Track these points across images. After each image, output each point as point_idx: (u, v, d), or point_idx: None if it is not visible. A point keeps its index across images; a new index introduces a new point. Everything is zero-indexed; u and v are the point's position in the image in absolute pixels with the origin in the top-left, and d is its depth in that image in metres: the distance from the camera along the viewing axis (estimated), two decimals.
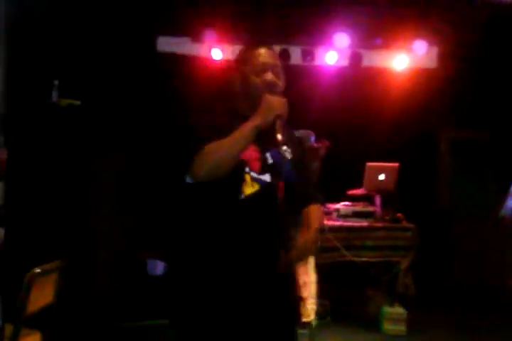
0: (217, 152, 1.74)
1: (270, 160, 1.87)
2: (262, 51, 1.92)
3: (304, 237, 1.83)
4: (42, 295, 2.70)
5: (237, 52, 2.00)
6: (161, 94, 5.22)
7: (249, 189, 1.80)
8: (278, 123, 1.78)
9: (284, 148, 1.81)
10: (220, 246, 1.79)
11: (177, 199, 1.94)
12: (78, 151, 4.32)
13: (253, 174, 1.82)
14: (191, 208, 1.85)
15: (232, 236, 1.78)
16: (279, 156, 1.82)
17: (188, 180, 1.81)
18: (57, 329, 3.05)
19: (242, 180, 1.80)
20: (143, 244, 4.97)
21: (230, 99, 1.97)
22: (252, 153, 1.83)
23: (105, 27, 4.87)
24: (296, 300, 2.02)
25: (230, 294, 1.77)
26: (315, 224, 1.91)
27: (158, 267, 4.91)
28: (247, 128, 1.77)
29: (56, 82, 3.99)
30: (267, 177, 1.84)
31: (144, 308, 4.31)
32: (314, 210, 1.98)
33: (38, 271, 2.58)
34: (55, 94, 3.96)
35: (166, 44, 5.42)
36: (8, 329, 2.47)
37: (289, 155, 1.86)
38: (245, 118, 1.82)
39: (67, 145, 4.22)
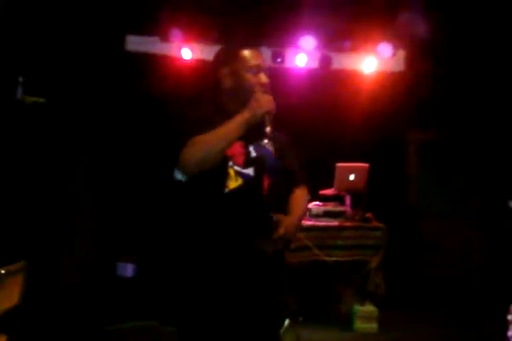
0: (206, 144, 1.76)
1: (254, 154, 1.90)
2: (257, 53, 2.00)
3: (286, 223, 1.86)
4: (7, 297, 2.62)
5: (225, 49, 2.05)
6: (130, 93, 5.15)
7: (233, 183, 1.83)
8: (267, 118, 1.85)
9: (266, 141, 1.87)
10: (207, 239, 1.81)
11: (162, 195, 1.99)
12: (46, 149, 4.21)
13: (237, 168, 1.85)
14: (177, 203, 1.88)
15: (218, 229, 1.80)
16: (262, 149, 1.88)
17: (176, 174, 1.82)
18: (23, 332, 2.96)
19: (226, 174, 1.82)
20: (113, 247, 4.88)
21: (216, 94, 1.99)
22: (236, 147, 1.86)
23: (73, 25, 4.78)
24: (284, 292, 1.99)
25: (219, 287, 1.79)
26: (298, 211, 1.96)
27: (128, 269, 4.83)
28: (237, 121, 1.81)
29: (21, 79, 3.87)
30: (250, 171, 1.86)
31: (113, 311, 4.22)
32: (299, 195, 2.02)
33: (3, 271, 2.51)
34: (19, 91, 3.83)
35: (135, 43, 5.36)
36: None
37: (271, 148, 1.90)
38: (231, 114, 1.86)
39: (34, 143, 4.10)
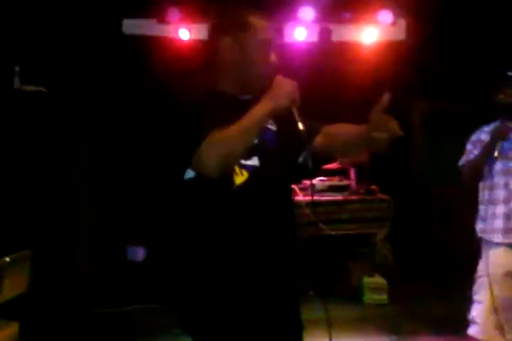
0: (228, 143, 1.50)
1: (255, 140, 1.63)
2: (266, 23, 1.67)
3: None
4: (14, 285, 2.69)
5: (230, 13, 1.71)
6: (130, 76, 5.15)
7: (239, 178, 1.61)
8: (295, 111, 1.58)
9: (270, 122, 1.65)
10: (224, 241, 1.62)
11: (171, 193, 1.78)
12: (49, 137, 4.25)
13: (240, 161, 1.62)
14: (187, 205, 1.68)
15: (234, 229, 1.62)
16: (264, 134, 1.65)
17: (189, 175, 1.62)
18: (34, 318, 3.04)
19: (231, 171, 1.60)
20: (123, 231, 4.95)
21: (209, 70, 1.72)
22: None
23: (69, 11, 4.77)
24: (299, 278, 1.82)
25: (235, 278, 1.63)
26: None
27: (139, 253, 4.90)
28: (260, 114, 1.53)
29: (17, 68, 3.90)
30: (254, 161, 1.64)
31: (124, 294, 4.32)
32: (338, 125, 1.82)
33: (8, 259, 2.57)
34: (16, 81, 3.87)
35: (132, 26, 5.33)
36: None
37: (272, 126, 1.72)
38: (229, 97, 1.66)
39: (34, 131, 4.15)
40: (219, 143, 1.49)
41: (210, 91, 1.67)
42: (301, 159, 1.76)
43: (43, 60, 4.47)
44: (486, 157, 2.83)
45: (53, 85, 4.41)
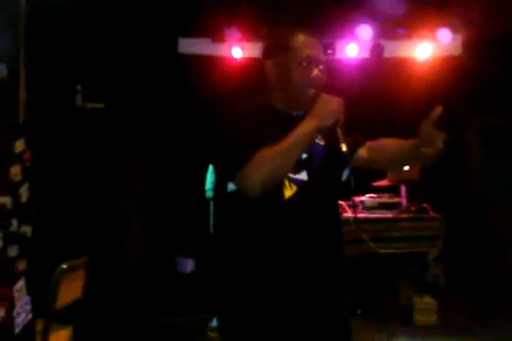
0: (273, 161, 1.52)
1: (303, 155, 1.67)
2: (310, 40, 1.70)
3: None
4: (71, 291, 2.79)
5: (273, 35, 1.79)
6: (184, 95, 5.29)
7: (288, 191, 1.62)
8: (339, 131, 1.60)
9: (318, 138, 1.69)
10: (270, 253, 1.62)
11: (218, 205, 1.81)
12: (105, 152, 4.43)
13: (289, 175, 1.63)
14: (232, 217, 1.69)
15: (281, 242, 1.62)
16: (313, 149, 1.69)
17: (231, 188, 1.63)
18: (87, 324, 3.15)
19: (281, 185, 1.62)
20: (173, 243, 5.05)
21: (263, 91, 1.77)
22: None
23: (126, 30, 4.97)
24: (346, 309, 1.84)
25: (283, 301, 1.64)
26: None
27: (188, 265, 4.99)
28: (304, 132, 1.56)
29: (79, 87, 4.11)
30: (303, 176, 1.66)
31: (174, 305, 4.40)
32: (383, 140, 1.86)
33: (65, 266, 2.68)
34: (78, 99, 4.07)
35: (187, 45, 5.49)
36: (39, 324, 2.55)
37: (321, 142, 1.74)
38: (282, 113, 1.70)
39: (94, 146, 4.33)
40: (263, 163, 1.52)
41: (262, 107, 1.72)
42: (344, 177, 1.79)
43: (103, 78, 4.67)
44: None
45: (113, 102, 4.59)
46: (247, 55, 5.47)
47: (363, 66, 5.60)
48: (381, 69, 5.57)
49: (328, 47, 5.56)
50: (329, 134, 1.66)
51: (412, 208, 4.51)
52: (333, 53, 5.57)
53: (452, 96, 5.40)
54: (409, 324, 4.24)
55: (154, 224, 4.90)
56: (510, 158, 5.72)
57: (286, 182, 1.63)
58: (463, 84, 5.42)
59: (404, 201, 4.56)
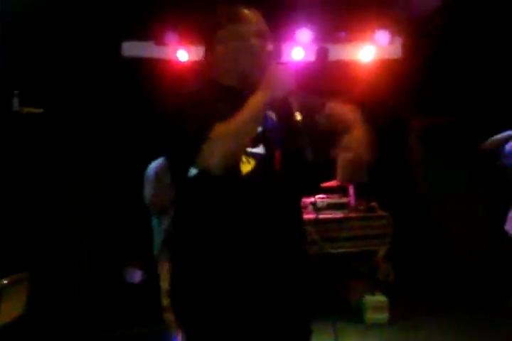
0: (228, 139, 1.49)
1: (259, 128, 1.63)
2: (252, 14, 1.68)
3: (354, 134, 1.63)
4: (12, 307, 2.67)
5: (222, 9, 1.73)
6: (128, 98, 5.19)
7: (246, 166, 1.59)
8: (292, 100, 1.57)
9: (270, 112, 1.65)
10: (229, 231, 1.59)
11: (180, 194, 1.73)
12: (44, 158, 4.27)
13: (247, 149, 1.60)
14: (188, 198, 1.65)
15: (241, 218, 1.58)
16: (266, 122, 1.65)
17: (192, 172, 1.58)
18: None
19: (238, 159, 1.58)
20: (120, 253, 4.92)
21: (208, 65, 1.72)
22: None
23: (68, 34, 4.83)
24: (313, 284, 1.75)
25: (234, 291, 1.59)
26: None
27: (136, 275, 4.87)
28: (257, 104, 1.52)
29: (16, 92, 3.95)
30: (260, 149, 1.63)
31: (123, 317, 4.27)
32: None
33: (6, 282, 2.56)
34: (15, 103, 3.91)
35: (131, 49, 5.40)
36: None
37: (273, 116, 1.70)
38: (227, 88, 1.65)
39: (33, 152, 4.17)
40: (220, 140, 1.48)
41: (211, 85, 1.68)
42: (309, 158, 1.71)
43: (42, 82, 4.52)
44: None
45: (52, 107, 4.44)
46: (192, 58, 5.43)
47: (309, 69, 5.65)
48: (326, 72, 5.64)
49: (274, 50, 5.59)
50: (282, 106, 1.62)
51: (361, 207, 4.57)
52: (279, 56, 5.59)
53: (394, 97, 5.54)
54: (360, 322, 4.27)
55: (100, 235, 4.76)
56: (448, 156, 5.92)
57: (244, 157, 1.59)
58: (404, 86, 5.56)
59: (352, 200, 4.62)
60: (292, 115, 1.57)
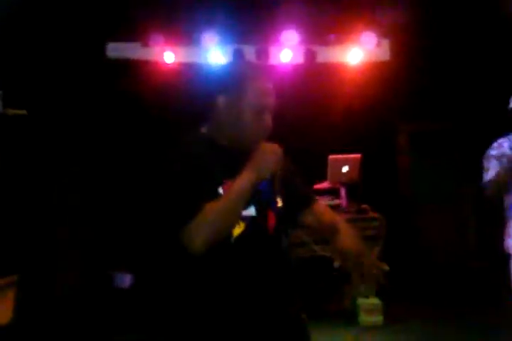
0: (215, 220, 1.51)
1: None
2: (267, 87, 1.64)
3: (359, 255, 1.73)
4: (1, 311, 2.57)
5: (228, 69, 1.76)
6: (114, 99, 5.10)
7: (237, 229, 1.59)
8: (276, 182, 1.64)
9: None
10: (221, 296, 1.59)
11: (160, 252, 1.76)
12: (30, 161, 4.16)
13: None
14: (182, 262, 1.63)
15: (232, 283, 1.59)
16: (262, 183, 1.63)
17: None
18: None
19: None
20: (109, 257, 4.80)
21: (207, 123, 1.71)
22: (229, 186, 1.58)
23: (52, 35, 4.75)
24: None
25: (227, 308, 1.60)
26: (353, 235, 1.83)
27: (126, 280, 4.75)
28: (243, 186, 1.54)
29: (0, 92, 3.84)
30: (251, 211, 1.62)
31: (111, 323, 4.15)
32: (327, 211, 1.88)
33: None
34: (0, 104, 3.80)
35: (116, 50, 5.32)
36: None
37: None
38: (223, 150, 1.65)
39: (18, 155, 4.05)
40: (207, 222, 1.51)
41: (206, 143, 1.67)
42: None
43: (27, 83, 4.41)
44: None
45: (37, 109, 4.34)
46: (178, 60, 5.37)
47: (297, 71, 5.62)
48: (314, 74, 5.61)
49: (262, 52, 5.56)
50: (285, 176, 1.68)
51: (352, 209, 4.52)
52: (267, 58, 5.56)
53: (382, 100, 5.53)
54: (354, 325, 4.20)
55: (88, 241, 4.64)
56: (436, 159, 5.93)
57: None
58: (392, 89, 5.56)
59: (344, 202, 4.56)
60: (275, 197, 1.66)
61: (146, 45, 5.33)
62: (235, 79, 1.66)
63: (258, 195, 1.63)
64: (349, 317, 4.27)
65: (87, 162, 4.82)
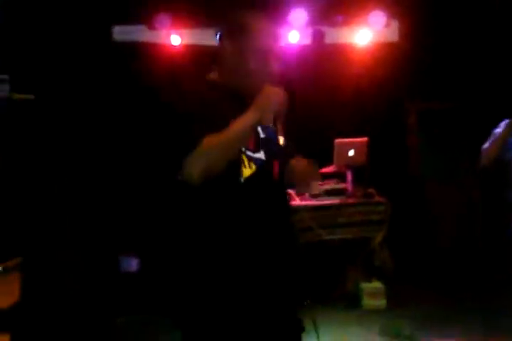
0: (213, 153, 1.54)
1: (262, 135, 1.71)
2: (271, 28, 1.68)
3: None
4: (6, 295, 2.63)
5: (236, 16, 1.73)
6: (121, 83, 5.10)
7: (247, 170, 1.63)
8: (278, 124, 1.63)
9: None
10: (229, 235, 1.62)
11: (168, 195, 1.78)
12: (37, 146, 4.20)
13: (249, 153, 1.64)
14: (188, 202, 1.66)
15: (241, 223, 1.63)
16: (270, 130, 1.71)
17: (181, 178, 1.61)
18: (25, 330, 2.98)
19: (240, 163, 1.62)
20: (116, 241, 4.86)
21: (212, 67, 1.74)
22: None
23: (58, 18, 4.73)
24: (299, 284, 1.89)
25: (233, 285, 1.63)
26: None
27: (132, 264, 4.81)
28: (245, 125, 1.56)
29: (7, 76, 3.85)
30: (261, 155, 1.68)
31: (118, 305, 4.24)
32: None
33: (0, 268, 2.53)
34: (6, 88, 3.81)
35: (122, 33, 5.29)
36: None
37: (274, 128, 1.71)
38: (227, 91, 1.67)
39: (24, 140, 4.09)
40: (205, 154, 1.53)
41: (211, 85, 1.70)
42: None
43: (33, 68, 4.42)
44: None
45: (44, 93, 4.35)
46: (185, 42, 5.33)
47: (305, 52, 5.56)
48: (322, 55, 5.55)
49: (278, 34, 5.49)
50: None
51: (358, 193, 4.53)
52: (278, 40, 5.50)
53: (391, 81, 5.47)
54: (357, 309, 4.26)
55: (95, 224, 4.69)
56: (445, 139, 5.87)
57: (246, 161, 1.63)
58: (400, 69, 5.49)
59: (350, 186, 4.57)
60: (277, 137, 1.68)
61: (152, 27, 5.29)
62: (237, 23, 1.69)
63: (267, 142, 1.69)
64: (352, 301, 4.33)
65: (95, 146, 4.85)
